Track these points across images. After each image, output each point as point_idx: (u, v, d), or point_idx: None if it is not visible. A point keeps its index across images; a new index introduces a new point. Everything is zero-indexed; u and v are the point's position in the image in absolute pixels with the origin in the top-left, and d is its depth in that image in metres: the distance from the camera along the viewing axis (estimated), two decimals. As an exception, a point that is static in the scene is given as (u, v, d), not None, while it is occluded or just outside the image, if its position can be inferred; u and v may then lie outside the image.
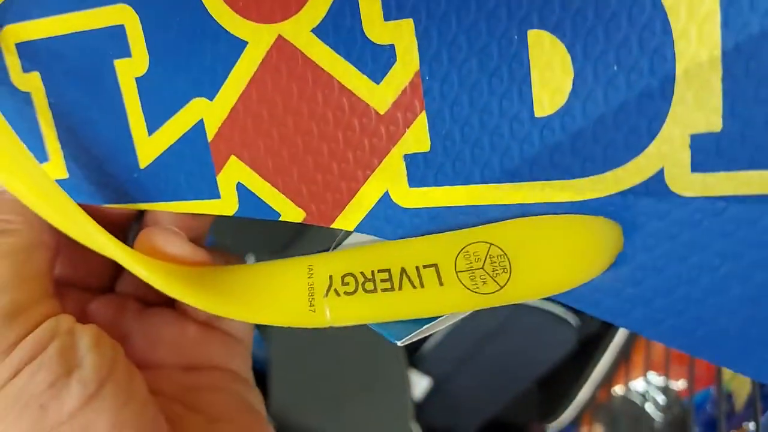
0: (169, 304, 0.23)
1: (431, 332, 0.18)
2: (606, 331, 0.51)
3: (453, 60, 0.16)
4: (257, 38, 0.17)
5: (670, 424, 0.44)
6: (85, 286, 0.23)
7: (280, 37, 0.17)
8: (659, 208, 0.15)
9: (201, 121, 0.18)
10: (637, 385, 0.48)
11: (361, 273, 0.18)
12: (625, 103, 0.15)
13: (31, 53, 0.19)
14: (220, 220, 0.23)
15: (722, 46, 0.14)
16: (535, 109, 0.16)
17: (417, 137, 0.17)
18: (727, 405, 0.37)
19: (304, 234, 0.42)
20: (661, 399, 0.46)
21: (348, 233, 0.19)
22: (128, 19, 0.18)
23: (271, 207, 0.19)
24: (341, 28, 0.16)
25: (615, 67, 0.15)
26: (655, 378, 0.47)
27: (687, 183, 0.15)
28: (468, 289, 0.17)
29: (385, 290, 0.17)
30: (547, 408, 0.54)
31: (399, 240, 0.18)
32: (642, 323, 0.17)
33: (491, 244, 0.16)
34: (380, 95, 0.17)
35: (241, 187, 0.19)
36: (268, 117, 0.18)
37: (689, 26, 0.14)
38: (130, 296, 0.23)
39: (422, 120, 0.16)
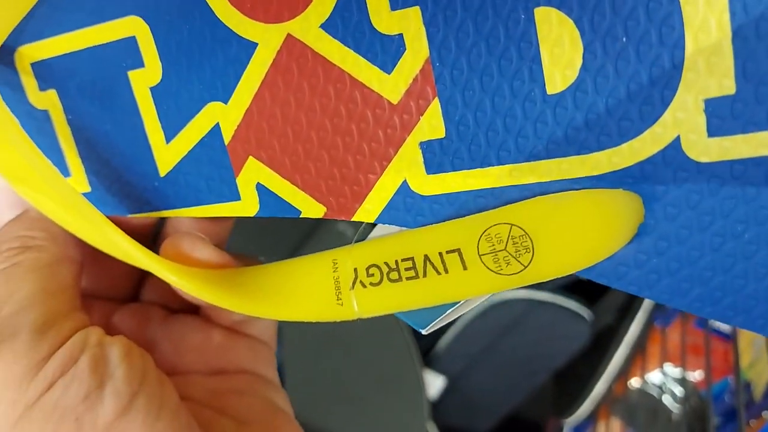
0: (193, 310, 0.23)
1: (455, 317, 0.18)
2: (620, 324, 0.51)
3: (461, 45, 0.16)
4: (267, 38, 0.17)
5: (687, 416, 0.44)
6: (109, 297, 0.23)
7: (289, 35, 0.17)
8: (678, 176, 0.15)
9: (217, 125, 0.18)
10: (654, 377, 0.48)
11: (385, 263, 0.18)
12: (636, 74, 0.15)
13: (46, 72, 0.20)
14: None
15: (730, 8, 0.14)
16: (546, 87, 0.16)
17: (431, 124, 0.17)
18: (745, 395, 0.37)
19: (312, 236, 0.42)
20: (678, 390, 0.46)
21: (368, 226, 0.19)
22: (139, 30, 0.18)
23: (291, 205, 0.19)
24: (349, 22, 0.16)
25: (624, 39, 0.15)
26: (672, 369, 0.47)
27: (704, 148, 0.15)
28: (492, 271, 0.17)
29: (409, 278, 0.17)
30: (564, 403, 0.54)
31: (420, 228, 0.18)
32: (669, 294, 0.17)
33: (512, 224, 0.17)
34: (392, 85, 0.17)
35: (260, 188, 0.19)
36: (282, 116, 0.18)
37: (696, -9, 0.14)
38: (154, 304, 0.23)
39: (435, 107, 0.17)
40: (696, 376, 0.45)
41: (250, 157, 0.19)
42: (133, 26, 0.18)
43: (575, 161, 0.16)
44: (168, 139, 0.19)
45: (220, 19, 0.17)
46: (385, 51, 0.16)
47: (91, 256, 0.21)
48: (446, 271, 0.17)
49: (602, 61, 0.15)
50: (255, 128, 0.18)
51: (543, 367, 0.51)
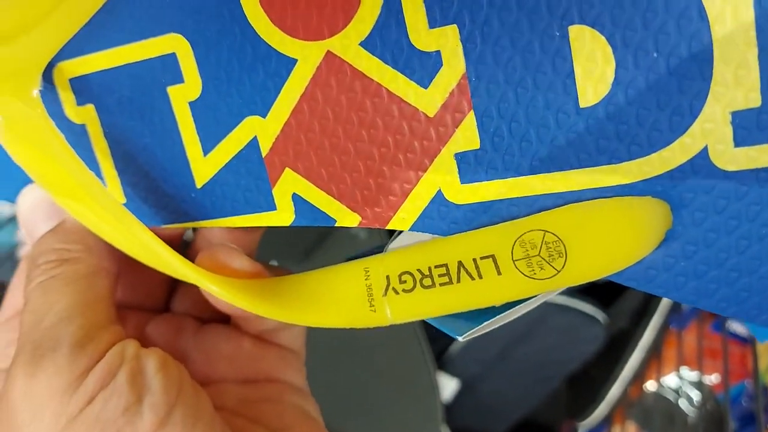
0: (224, 320, 0.24)
1: (492, 327, 0.19)
2: (635, 327, 0.51)
3: (498, 60, 0.17)
4: (306, 55, 0.18)
5: (704, 420, 0.44)
6: (142, 308, 0.24)
7: (329, 52, 0.18)
8: (705, 183, 0.16)
9: (255, 138, 0.19)
10: (670, 380, 0.48)
11: (418, 270, 0.18)
12: (666, 87, 0.16)
13: (84, 87, 0.20)
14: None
15: (756, 24, 0.15)
16: (579, 101, 0.16)
17: (466, 136, 0.17)
18: (764, 398, 0.37)
19: (325, 240, 0.43)
20: (694, 394, 0.46)
21: (397, 234, 0.20)
22: (180, 47, 0.19)
23: (326, 214, 0.19)
24: (388, 39, 0.17)
25: (654, 54, 0.15)
26: (688, 373, 0.47)
27: (731, 158, 0.16)
28: (526, 276, 0.17)
29: (443, 284, 0.18)
30: (578, 407, 0.54)
31: (453, 235, 0.19)
32: (695, 295, 0.17)
33: (546, 231, 0.17)
34: (428, 99, 0.17)
35: (296, 198, 0.19)
36: (319, 129, 0.18)
37: (724, 8, 0.15)
38: (186, 315, 0.24)
39: (471, 119, 0.17)
40: (712, 379, 0.45)
41: (287, 168, 0.19)
42: (173, 43, 0.19)
43: (606, 170, 0.17)
44: (206, 152, 0.20)
45: (261, 36, 0.18)
46: (422, 67, 0.17)
47: (125, 267, 0.21)
48: (480, 276, 0.18)
49: (633, 74, 0.16)
50: (293, 141, 0.19)
51: (558, 371, 0.51)
